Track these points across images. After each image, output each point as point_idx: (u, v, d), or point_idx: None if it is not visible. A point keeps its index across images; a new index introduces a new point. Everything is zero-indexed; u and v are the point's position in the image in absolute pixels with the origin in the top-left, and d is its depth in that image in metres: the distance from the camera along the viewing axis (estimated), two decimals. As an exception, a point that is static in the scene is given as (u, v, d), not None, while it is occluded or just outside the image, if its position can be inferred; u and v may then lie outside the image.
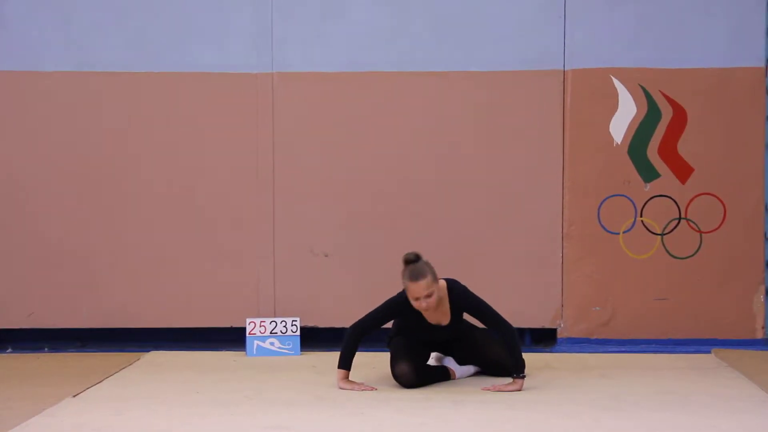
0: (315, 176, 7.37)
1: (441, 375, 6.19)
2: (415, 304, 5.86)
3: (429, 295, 5.82)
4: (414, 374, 6.01)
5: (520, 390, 5.88)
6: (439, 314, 6.04)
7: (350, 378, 6.02)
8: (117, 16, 7.33)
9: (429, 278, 5.81)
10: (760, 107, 7.27)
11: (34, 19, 7.32)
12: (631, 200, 7.32)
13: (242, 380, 6.32)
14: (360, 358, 6.18)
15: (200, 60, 7.33)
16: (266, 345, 7.15)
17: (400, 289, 5.99)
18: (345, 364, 6.00)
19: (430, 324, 6.05)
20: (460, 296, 5.99)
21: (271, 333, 7.16)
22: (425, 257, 5.96)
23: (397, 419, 5.32)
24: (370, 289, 7.04)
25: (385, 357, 6.30)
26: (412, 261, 5.88)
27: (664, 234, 7.33)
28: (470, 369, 6.30)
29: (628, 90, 7.28)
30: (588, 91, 7.27)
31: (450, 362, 6.27)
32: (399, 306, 5.98)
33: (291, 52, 7.33)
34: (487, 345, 6.25)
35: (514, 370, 5.92)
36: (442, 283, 6.01)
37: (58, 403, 5.68)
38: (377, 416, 5.38)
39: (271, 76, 7.35)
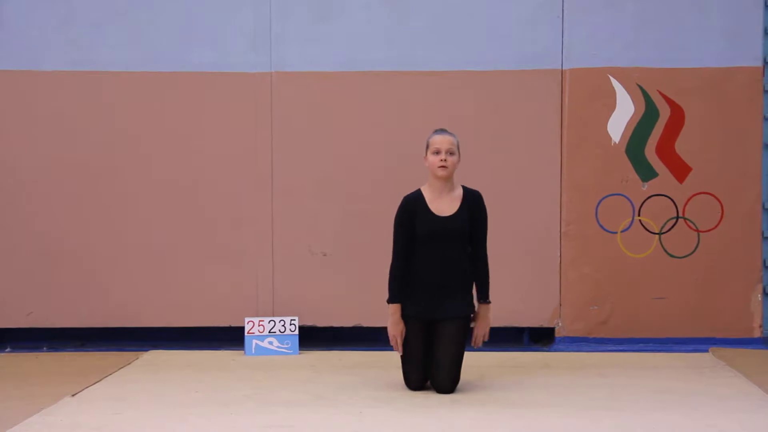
0: (314, 175, 7.37)
1: None
2: (433, 159, 5.87)
3: (450, 152, 5.87)
4: (423, 382, 6.00)
5: (483, 330, 6.05)
6: (447, 202, 5.94)
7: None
8: (116, 16, 7.33)
9: (455, 140, 5.91)
10: (758, 107, 7.28)
11: (34, 18, 7.33)
12: (629, 199, 7.33)
13: (241, 379, 6.33)
14: (365, 357, 6.21)
15: (199, 59, 7.34)
16: (265, 344, 7.16)
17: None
18: (397, 296, 5.92)
19: (434, 215, 5.92)
20: (475, 197, 6.01)
21: (269, 332, 7.17)
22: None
23: (396, 419, 5.33)
24: (369, 288, 7.06)
25: (389, 357, 6.26)
26: (443, 129, 6.02)
27: (662, 233, 7.34)
28: None
29: (626, 89, 7.29)
30: (586, 91, 7.28)
31: None
32: (407, 207, 5.93)
33: (289, 51, 7.34)
34: (451, 336, 5.98)
35: (484, 296, 6.02)
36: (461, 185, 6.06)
37: (56, 402, 5.68)
38: (376, 416, 5.39)
39: (270, 75, 7.36)
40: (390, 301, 5.94)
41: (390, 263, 5.97)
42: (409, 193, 6.02)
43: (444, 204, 5.95)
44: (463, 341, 5.95)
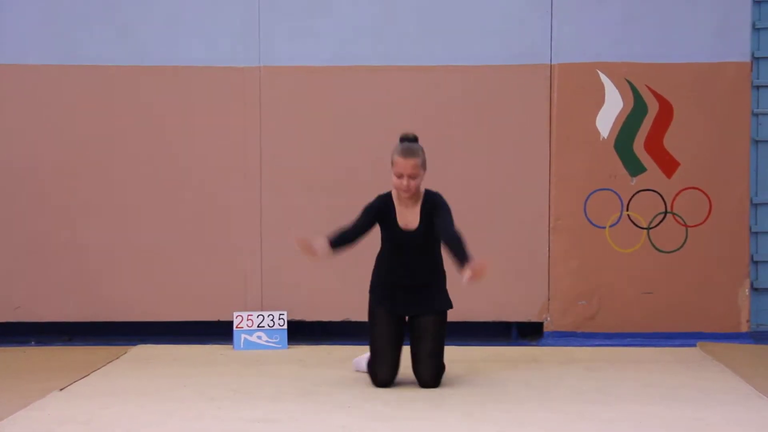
0: (302, 170, 7.37)
1: None
2: (396, 182, 5.78)
3: (413, 176, 5.74)
4: (391, 379, 5.94)
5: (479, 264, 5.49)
6: (409, 216, 5.88)
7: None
8: (103, 10, 7.31)
9: (419, 160, 5.76)
10: (746, 102, 7.30)
11: (20, 12, 7.30)
12: (617, 194, 7.34)
13: (229, 374, 6.32)
14: (354, 352, 6.21)
15: (187, 54, 7.32)
16: (253, 339, 7.15)
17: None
18: (330, 237, 5.89)
19: (400, 229, 5.87)
20: (434, 201, 5.84)
21: (258, 327, 7.16)
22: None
23: (383, 413, 5.33)
24: (357, 283, 7.03)
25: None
26: (410, 139, 5.84)
27: (650, 228, 7.35)
28: None
29: (615, 84, 7.29)
30: (575, 86, 7.29)
31: None
32: (378, 207, 5.91)
33: (278, 46, 7.33)
34: (431, 331, 5.92)
35: (467, 260, 5.51)
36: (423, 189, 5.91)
37: (44, 396, 5.67)
38: (364, 410, 5.39)
39: (258, 70, 7.34)
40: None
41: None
42: (383, 193, 5.95)
43: (409, 216, 5.89)
44: (443, 335, 5.92)
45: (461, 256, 5.57)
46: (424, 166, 5.82)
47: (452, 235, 5.69)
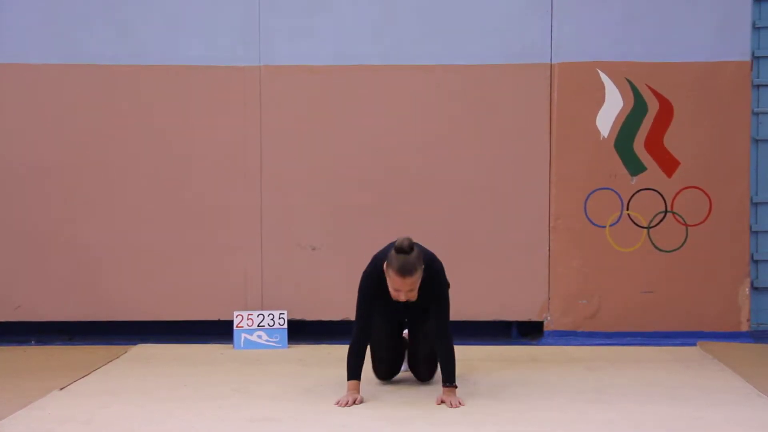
0: (302, 169, 7.37)
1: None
2: (394, 294, 5.44)
3: (412, 290, 5.42)
4: (392, 374, 6.00)
5: (456, 400, 5.45)
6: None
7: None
8: (104, 9, 7.31)
9: (417, 275, 5.38)
10: (746, 101, 7.29)
11: (20, 12, 7.30)
12: (617, 194, 7.34)
13: (229, 373, 6.32)
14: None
15: (187, 53, 7.32)
16: (253, 338, 7.16)
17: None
18: (355, 373, 5.52)
19: (395, 305, 5.63)
20: (432, 279, 5.53)
21: (258, 326, 7.16)
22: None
23: (383, 412, 5.33)
24: (357, 282, 7.05)
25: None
26: (405, 252, 5.35)
27: (651, 227, 7.35)
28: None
29: (615, 84, 7.29)
30: (575, 85, 7.29)
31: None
32: (372, 284, 5.55)
33: (278, 45, 7.33)
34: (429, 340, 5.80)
35: (450, 378, 5.50)
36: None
37: (44, 396, 5.67)
38: (364, 409, 5.39)
39: (259, 69, 7.34)
40: (349, 378, 5.53)
41: (352, 337, 5.60)
42: (370, 266, 5.61)
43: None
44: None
45: (448, 375, 5.50)
46: (422, 269, 5.42)
47: (446, 347, 5.53)
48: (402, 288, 5.40)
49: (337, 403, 5.46)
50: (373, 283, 5.57)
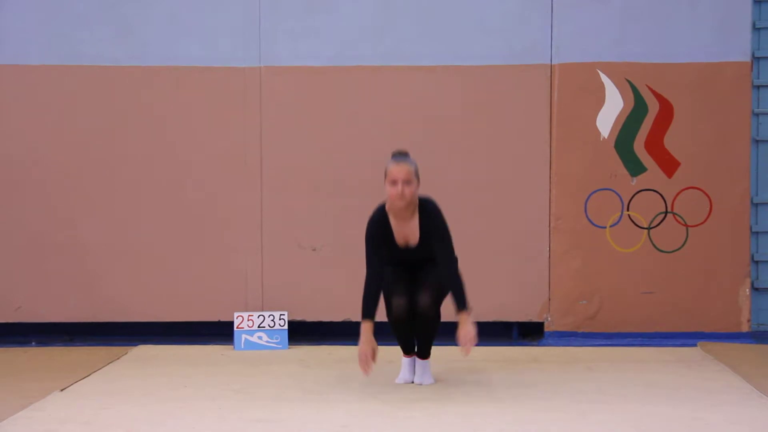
0: (302, 170, 7.37)
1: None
2: (390, 191, 5.69)
3: (407, 182, 5.67)
4: (407, 307, 5.85)
5: (470, 332, 5.63)
6: (408, 231, 5.83)
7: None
8: (103, 10, 7.31)
9: (412, 168, 5.70)
10: (746, 101, 7.30)
11: (20, 12, 7.30)
12: (617, 194, 7.34)
13: (230, 374, 6.32)
14: (354, 352, 6.16)
15: (188, 54, 7.33)
16: (254, 339, 7.16)
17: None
18: (369, 312, 5.72)
19: (399, 247, 5.84)
20: (428, 210, 5.80)
21: (258, 327, 7.17)
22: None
23: (383, 412, 5.33)
24: (358, 283, 7.01)
25: (392, 350, 6.19)
26: (401, 153, 5.78)
27: (651, 228, 7.35)
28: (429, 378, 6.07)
29: (615, 84, 7.30)
30: (575, 86, 7.29)
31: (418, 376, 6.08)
32: (377, 229, 5.80)
33: (278, 46, 7.33)
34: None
35: (461, 305, 5.68)
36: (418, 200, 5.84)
37: (45, 397, 5.67)
38: (364, 409, 5.39)
39: (259, 70, 7.35)
40: (363, 317, 5.72)
41: (365, 281, 5.78)
42: (374, 212, 5.84)
43: (408, 231, 5.83)
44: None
45: (458, 301, 5.69)
46: (417, 175, 5.76)
47: (452, 274, 5.75)
48: (398, 176, 5.68)
49: (360, 364, 5.70)
50: (377, 227, 5.81)
